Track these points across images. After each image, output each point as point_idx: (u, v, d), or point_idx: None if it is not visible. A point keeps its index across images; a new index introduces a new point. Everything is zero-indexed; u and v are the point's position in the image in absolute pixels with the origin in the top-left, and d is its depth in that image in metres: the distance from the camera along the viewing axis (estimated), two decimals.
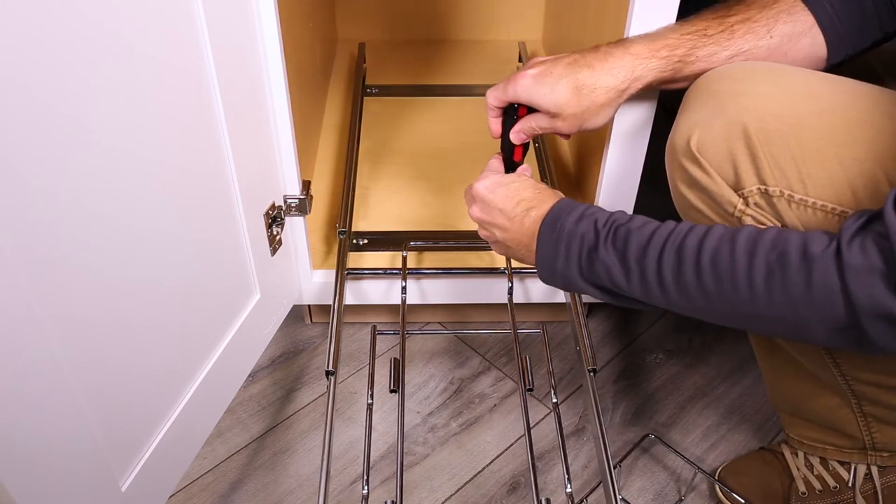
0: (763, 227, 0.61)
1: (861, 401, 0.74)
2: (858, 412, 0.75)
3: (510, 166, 0.79)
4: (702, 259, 0.54)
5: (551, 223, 0.64)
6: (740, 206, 0.61)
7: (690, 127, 0.63)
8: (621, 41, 0.71)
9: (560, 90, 0.70)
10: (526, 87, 0.72)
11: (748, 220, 0.61)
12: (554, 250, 0.63)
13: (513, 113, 0.75)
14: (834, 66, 0.70)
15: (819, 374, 0.74)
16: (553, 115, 0.72)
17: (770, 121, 0.60)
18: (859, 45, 0.69)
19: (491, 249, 0.98)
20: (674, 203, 0.69)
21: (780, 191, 0.59)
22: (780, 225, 0.61)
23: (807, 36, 0.69)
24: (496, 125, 0.77)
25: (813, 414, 0.79)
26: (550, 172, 1.06)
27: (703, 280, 0.54)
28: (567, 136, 0.78)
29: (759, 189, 0.60)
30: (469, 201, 0.74)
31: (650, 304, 0.60)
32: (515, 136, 0.76)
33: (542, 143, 1.12)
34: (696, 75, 0.69)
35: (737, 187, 0.61)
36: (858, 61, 0.71)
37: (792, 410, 0.82)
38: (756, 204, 0.61)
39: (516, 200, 0.68)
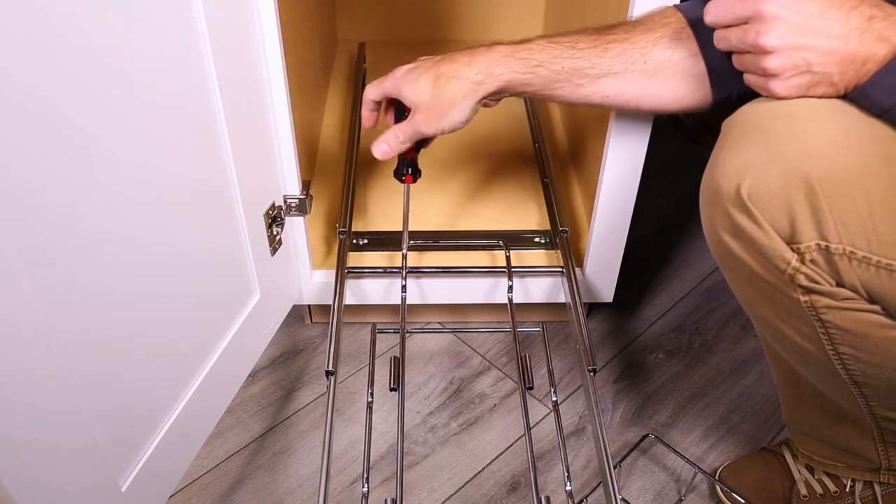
0: (817, 285, 0.56)
1: (885, 433, 0.72)
2: (879, 441, 0.73)
3: (403, 165, 0.81)
4: None
5: None
6: (794, 262, 0.55)
7: (740, 170, 0.56)
8: (493, 42, 0.71)
9: (422, 81, 0.71)
10: (395, 80, 0.74)
11: (801, 279, 0.56)
12: None
13: (403, 110, 0.77)
14: (719, 102, 0.68)
15: (845, 408, 0.70)
16: (415, 111, 0.73)
17: (834, 168, 0.53)
18: (745, 86, 0.60)
19: (491, 249, 0.98)
20: (710, 249, 0.63)
21: (843, 248, 0.54)
22: (835, 284, 0.56)
23: (686, 65, 0.67)
24: (370, 118, 0.80)
25: (830, 438, 0.77)
26: (550, 172, 1.06)
27: None
28: (428, 140, 0.78)
29: (818, 245, 0.54)
30: (759, 24, 0.55)
31: None
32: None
33: (542, 143, 1.12)
34: (564, 87, 0.69)
35: (792, 241, 0.55)
36: None
37: (807, 432, 0.80)
38: (812, 261, 0.55)
39: (847, 8, 0.53)
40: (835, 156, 0.53)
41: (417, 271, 0.96)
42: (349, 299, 0.96)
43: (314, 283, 0.96)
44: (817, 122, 0.55)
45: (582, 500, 0.87)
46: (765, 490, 0.84)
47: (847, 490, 0.80)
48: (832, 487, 0.81)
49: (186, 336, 0.72)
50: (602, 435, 0.73)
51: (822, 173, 0.53)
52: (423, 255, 0.98)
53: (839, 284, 0.56)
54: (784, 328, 0.62)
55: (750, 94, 0.60)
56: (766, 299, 0.61)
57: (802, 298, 0.57)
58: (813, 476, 0.82)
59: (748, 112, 0.59)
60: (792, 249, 0.55)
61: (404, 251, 0.93)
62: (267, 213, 0.82)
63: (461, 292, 0.98)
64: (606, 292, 0.99)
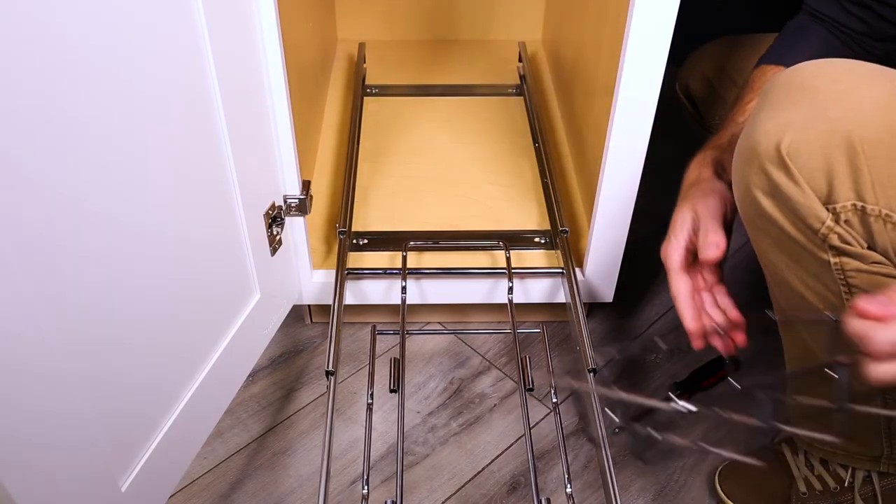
0: (848, 246, 0.56)
1: (892, 420, 0.72)
2: (885, 426, 0.73)
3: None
4: None
5: None
6: (829, 222, 0.55)
7: (781, 128, 0.56)
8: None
9: None
10: None
11: (833, 239, 0.56)
12: None
13: None
14: None
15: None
16: None
17: (877, 129, 0.53)
18: None
19: (491, 249, 0.98)
20: (739, 210, 0.63)
21: (879, 210, 0.54)
22: (866, 247, 0.56)
23: None
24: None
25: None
26: (550, 172, 1.06)
27: None
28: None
29: (853, 205, 0.54)
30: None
31: None
32: None
33: (542, 144, 1.12)
34: None
35: (827, 201, 0.55)
36: None
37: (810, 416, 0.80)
38: (847, 221, 0.55)
39: None
40: (879, 117, 0.54)
41: (417, 272, 0.96)
42: (349, 299, 0.96)
43: (314, 283, 0.96)
44: (862, 84, 0.56)
45: (582, 501, 0.87)
46: (765, 489, 0.84)
47: (846, 486, 0.80)
48: (832, 484, 0.81)
49: (186, 336, 0.72)
50: (602, 435, 0.73)
51: (865, 134, 0.53)
52: (423, 255, 0.98)
53: (871, 248, 0.56)
54: (807, 294, 0.62)
55: None
56: (792, 262, 0.61)
57: (832, 260, 0.57)
58: (812, 473, 0.82)
59: (791, 73, 0.59)
60: (827, 209, 0.55)
61: (404, 252, 0.93)
62: (267, 213, 0.82)
63: (461, 292, 0.98)
64: (606, 292, 0.99)
